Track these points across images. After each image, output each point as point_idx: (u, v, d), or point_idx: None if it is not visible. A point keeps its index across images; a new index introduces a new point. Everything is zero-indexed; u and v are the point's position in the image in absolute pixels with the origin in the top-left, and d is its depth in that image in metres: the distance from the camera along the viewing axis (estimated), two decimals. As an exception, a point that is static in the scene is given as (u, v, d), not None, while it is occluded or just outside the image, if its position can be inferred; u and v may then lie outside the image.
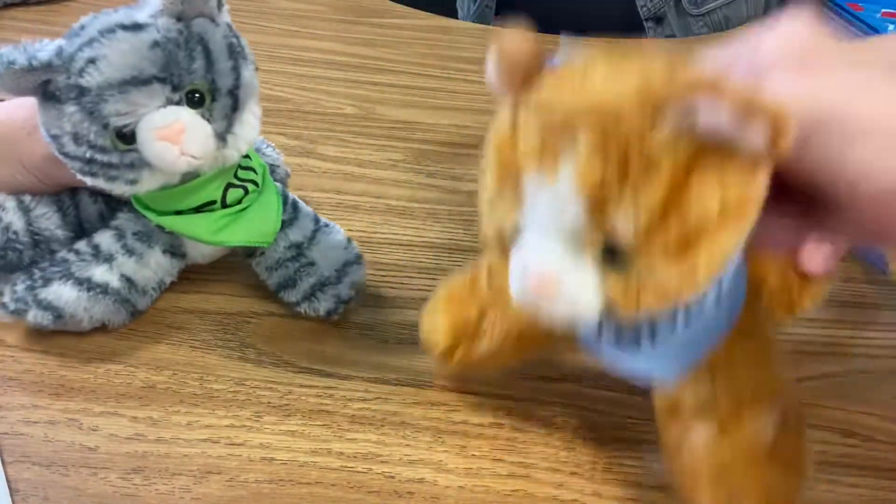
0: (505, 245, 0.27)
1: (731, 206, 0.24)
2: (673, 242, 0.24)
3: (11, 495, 0.34)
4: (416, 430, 0.39)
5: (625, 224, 0.24)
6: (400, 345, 0.45)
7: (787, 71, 0.26)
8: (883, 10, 0.98)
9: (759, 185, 0.25)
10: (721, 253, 0.25)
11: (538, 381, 0.43)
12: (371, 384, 0.42)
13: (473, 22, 1.06)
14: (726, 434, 0.31)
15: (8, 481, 0.35)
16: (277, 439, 0.38)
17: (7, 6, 0.84)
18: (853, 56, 0.27)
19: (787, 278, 0.34)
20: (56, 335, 0.43)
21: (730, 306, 0.30)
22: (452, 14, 1.08)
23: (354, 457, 0.38)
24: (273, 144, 0.54)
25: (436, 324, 0.39)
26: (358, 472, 0.37)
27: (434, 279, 0.50)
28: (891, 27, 0.93)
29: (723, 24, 1.02)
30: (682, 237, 0.24)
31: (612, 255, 0.25)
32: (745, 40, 0.28)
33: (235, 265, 0.49)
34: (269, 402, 0.40)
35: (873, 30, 0.92)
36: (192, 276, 0.46)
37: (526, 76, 0.25)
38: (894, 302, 0.50)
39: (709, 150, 0.24)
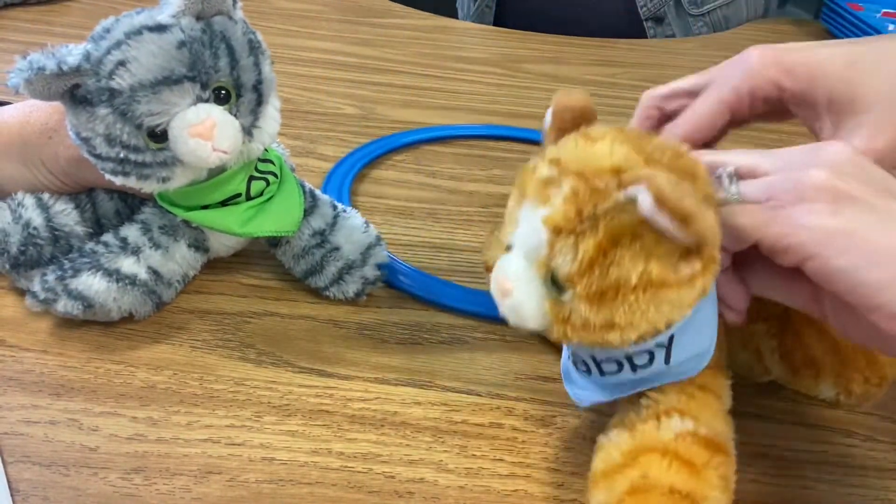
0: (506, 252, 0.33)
1: (651, 281, 0.29)
2: (594, 291, 0.29)
3: (12, 495, 0.34)
4: (416, 430, 0.39)
5: (563, 261, 0.29)
6: (400, 345, 0.45)
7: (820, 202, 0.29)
8: (883, 10, 0.98)
9: (689, 277, 0.29)
10: (643, 319, 0.30)
11: (538, 380, 0.43)
12: (371, 384, 0.42)
13: (473, 22, 1.06)
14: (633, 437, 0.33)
15: (8, 481, 0.35)
16: (277, 439, 0.38)
17: (7, 6, 0.84)
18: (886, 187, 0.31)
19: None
20: (56, 335, 0.43)
21: (684, 368, 0.33)
22: (452, 14, 1.08)
23: (354, 457, 0.38)
24: (277, 140, 0.54)
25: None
26: (358, 472, 0.37)
27: (434, 279, 0.50)
28: (891, 27, 0.93)
29: (723, 24, 1.02)
30: (600, 289, 0.29)
31: (556, 286, 0.30)
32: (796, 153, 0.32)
33: (235, 265, 0.49)
34: (269, 402, 0.40)
35: (873, 30, 0.92)
36: (192, 276, 0.46)
37: (573, 126, 0.32)
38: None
39: (644, 236, 0.28)
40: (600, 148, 0.30)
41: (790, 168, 0.31)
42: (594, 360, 0.34)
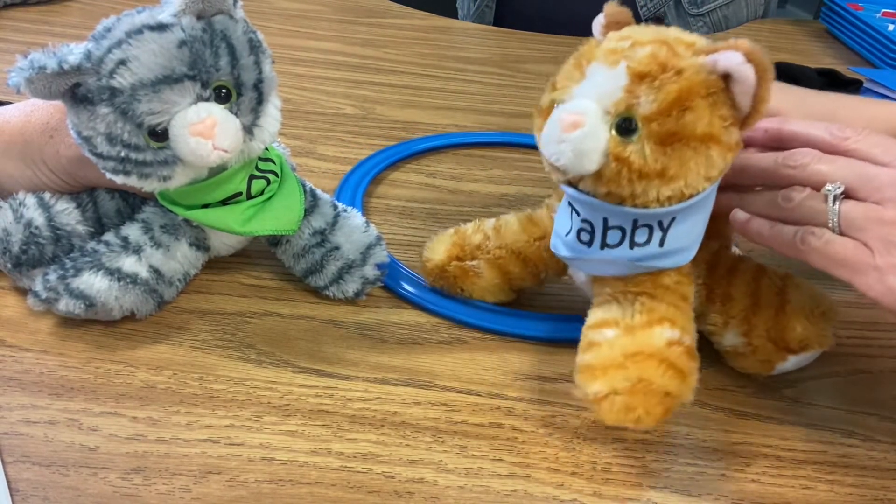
0: (550, 110, 0.37)
1: (711, 135, 0.35)
2: (665, 130, 0.34)
3: (11, 495, 0.34)
4: (416, 430, 0.39)
5: (645, 101, 0.34)
6: (400, 345, 0.45)
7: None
8: (883, 10, 0.98)
9: (729, 145, 0.35)
10: (688, 172, 0.35)
11: (538, 381, 0.43)
12: (371, 384, 0.42)
13: (473, 22, 1.06)
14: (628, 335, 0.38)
15: (8, 481, 0.35)
16: (277, 439, 0.38)
17: (7, 6, 0.84)
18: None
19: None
20: (56, 335, 0.43)
21: (670, 259, 0.38)
22: (452, 14, 1.08)
23: (354, 457, 0.38)
24: (278, 140, 0.55)
25: (437, 247, 0.47)
26: (358, 472, 0.37)
27: (434, 279, 0.50)
28: (891, 27, 0.93)
29: (722, 24, 1.02)
30: (671, 130, 0.34)
31: (624, 126, 0.35)
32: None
33: (235, 265, 0.49)
34: (269, 402, 0.40)
35: (873, 29, 0.92)
36: (192, 276, 0.46)
37: (617, 26, 0.38)
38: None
39: (715, 94, 0.34)
40: (674, 31, 0.37)
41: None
42: (604, 222, 0.38)
